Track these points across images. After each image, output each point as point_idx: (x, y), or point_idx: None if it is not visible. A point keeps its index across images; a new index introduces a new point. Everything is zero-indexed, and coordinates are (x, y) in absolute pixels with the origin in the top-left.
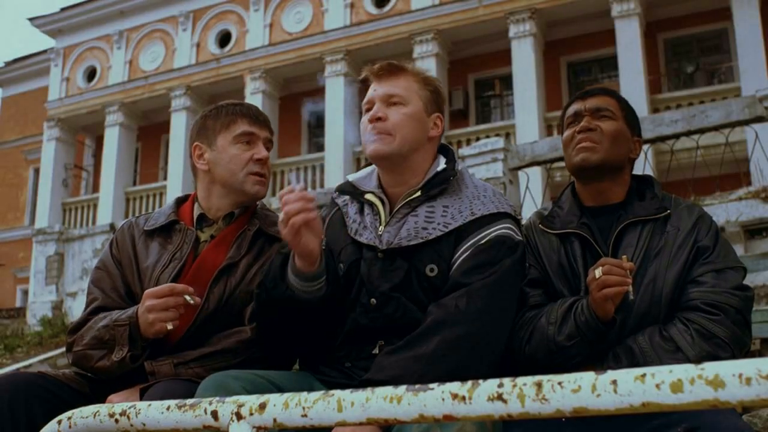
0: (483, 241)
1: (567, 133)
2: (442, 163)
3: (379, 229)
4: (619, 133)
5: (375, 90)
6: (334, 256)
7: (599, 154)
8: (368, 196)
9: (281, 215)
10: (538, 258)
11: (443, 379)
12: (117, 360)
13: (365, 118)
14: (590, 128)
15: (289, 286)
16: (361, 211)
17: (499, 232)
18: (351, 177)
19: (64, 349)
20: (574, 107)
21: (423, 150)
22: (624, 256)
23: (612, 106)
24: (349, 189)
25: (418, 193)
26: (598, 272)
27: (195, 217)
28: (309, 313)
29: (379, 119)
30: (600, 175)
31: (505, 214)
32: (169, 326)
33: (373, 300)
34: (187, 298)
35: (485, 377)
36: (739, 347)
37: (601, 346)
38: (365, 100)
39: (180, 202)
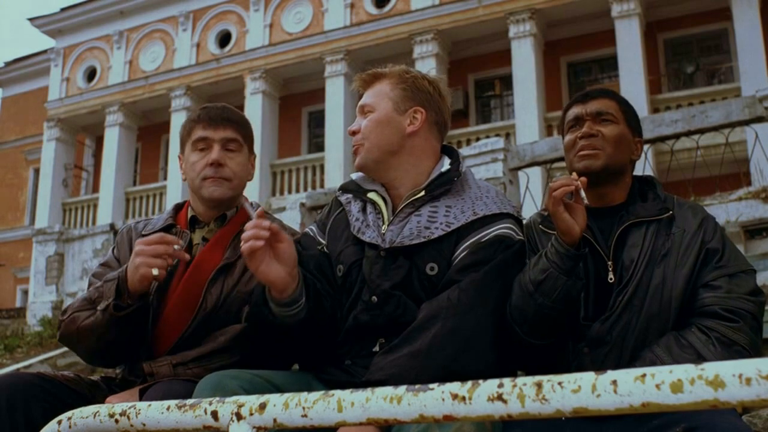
0: (482, 240)
1: (569, 137)
2: (446, 164)
3: (382, 228)
4: (621, 137)
5: (360, 101)
6: (332, 258)
7: (601, 160)
8: (371, 195)
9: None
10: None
11: (440, 373)
12: (102, 309)
13: None
14: (592, 134)
15: (270, 310)
16: (363, 210)
17: (498, 231)
18: (355, 175)
19: (64, 349)
20: (575, 110)
21: (406, 149)
22: (574, 174)
23: (613, 109)
24: (352, 187)
25: (422, 193)
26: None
27: (188, 220)
28: (296, 335)
29: (353, 133)
30: (602, 180)
31: (506, 215)
32: (155, 272)
33: (374, 298)
34: (176, 247)
35: (484, 373)
36: (756, 352)
37: (576, 284)
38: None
39: (178, 207)
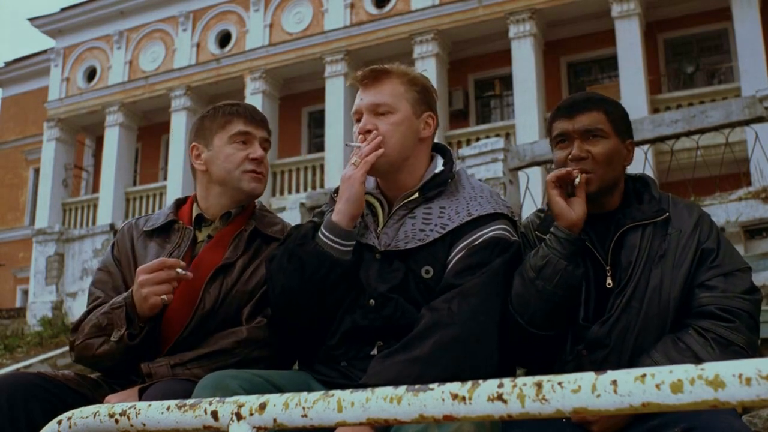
0: (477, 242)
1: (559, 155)
2: (439, 165)
3: (377, 230)
4: (612, 153)
5: (362, 99)
6: None
7: (595, 185)
8: (366, 197)
9: (353, 159)
10: None
11: (440, 381)
12: (115, 340)
13: (356, 129)
14: (582, 157)
15: (317, 243)
16: None
17: (493, 233)
18: None
19: (64, 349)
20: (561, 126)
21: (416, 152)
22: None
23: (602, 122)
24: None
25: (416, 195)
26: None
27: (193, 217)
28: (325, 278)
29: (368, 132)
30: (597, 197)
31: (501, 215)
32: (164, 298)
33: (372, 301)
34: (179, 270)
35: (484, 377)
36: (754, 351)
37: (576, 270)
38: (353, 109)
39: (180, 203)
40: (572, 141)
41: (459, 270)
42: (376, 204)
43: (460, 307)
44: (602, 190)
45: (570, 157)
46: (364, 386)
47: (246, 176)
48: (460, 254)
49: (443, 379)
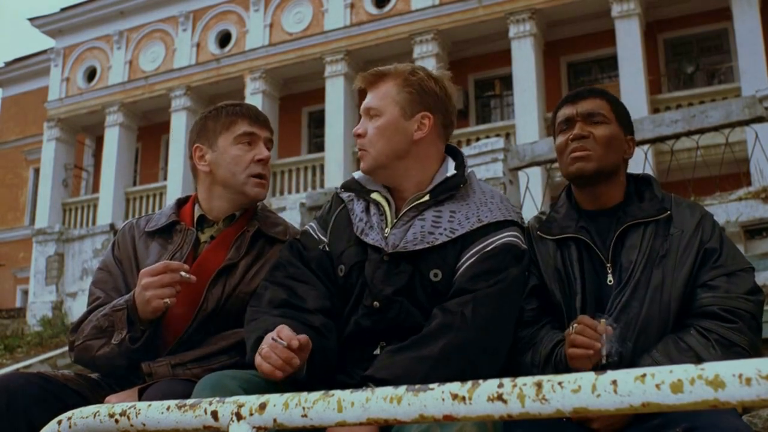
0: (489, 248)
1: (560, 139)
2: (451, 168)
3: (385, 230)
4: (612, 137)
5: (364, 101)
6: (334, 257)
7: (593, 162)
8: (374, 196)
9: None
10: (536, 263)
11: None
12: (116, 343)
13: None
14: (584, 135)
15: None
16: (367, 210)
17: (505, 239)
18: (357, 175)
19: (64, 349)
20: (566, 111)
21: (413, 154)
22: (602, 320)
23: (604, 109)
24: (355, 187)
25: (426, 198)
26: (572, 328)
27: (195, 218)
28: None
29: (358, 135)
30: (596, 181)
31: (511, 222)
32: (167, 302)
33: (376, 303)
34: (183, 274)
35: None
36: (756, 352)
37: None
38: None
39: (181, 203)
40: (575, 124)
41: (472, 275)
42: (384, 203)
43: (473, 314)
44: (600, 174)
45: (571, 137)
46: (370, 379)
47: (251, 181)
48: (473, 259)
49: (449, 381)
